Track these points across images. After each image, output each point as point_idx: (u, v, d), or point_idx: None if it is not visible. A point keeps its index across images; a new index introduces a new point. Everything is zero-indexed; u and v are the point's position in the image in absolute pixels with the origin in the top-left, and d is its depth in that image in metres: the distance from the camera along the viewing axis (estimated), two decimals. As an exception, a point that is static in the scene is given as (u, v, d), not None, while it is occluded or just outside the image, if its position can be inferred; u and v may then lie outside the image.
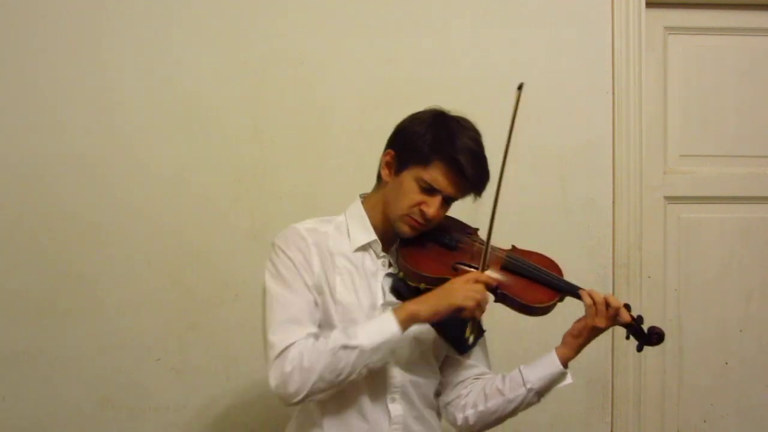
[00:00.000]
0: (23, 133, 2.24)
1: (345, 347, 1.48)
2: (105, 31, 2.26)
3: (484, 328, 1.69)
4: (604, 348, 2.40)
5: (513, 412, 1.66)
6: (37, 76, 2.25)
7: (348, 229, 1.65)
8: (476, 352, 1.72)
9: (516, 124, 1.57)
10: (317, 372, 1.48)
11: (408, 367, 1.62)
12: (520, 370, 1.65)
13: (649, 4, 2.43)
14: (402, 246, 1.64)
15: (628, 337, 1.66)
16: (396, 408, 1.60)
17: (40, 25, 2.25)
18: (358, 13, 2.34)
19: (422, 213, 1.58)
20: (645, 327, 1.64)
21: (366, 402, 1.59)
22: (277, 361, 1.50)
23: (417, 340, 1.63)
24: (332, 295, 1.59)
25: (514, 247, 1.71)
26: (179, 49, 2.28)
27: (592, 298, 1.61)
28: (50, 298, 2.24)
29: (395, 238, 1.65)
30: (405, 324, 1.51)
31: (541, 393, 1.64)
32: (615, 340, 2.39)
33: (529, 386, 1.63)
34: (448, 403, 1.72)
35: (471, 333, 1.59)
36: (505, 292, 1.60)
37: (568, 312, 1.67)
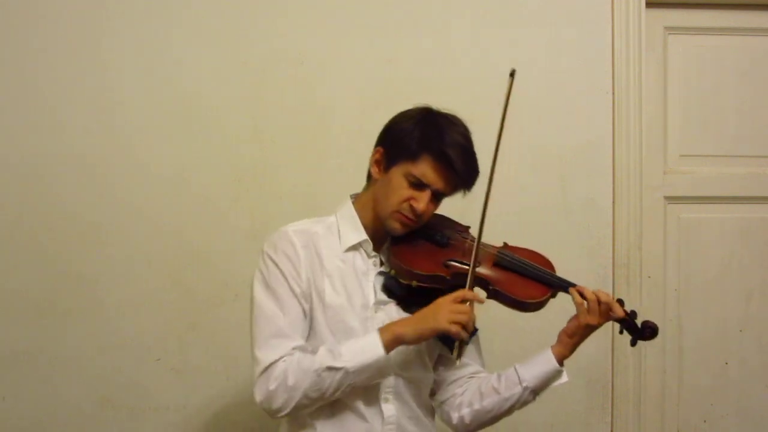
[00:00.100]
0: (23, 133, 2.24)
1: (330, 369, 1.50)
2: (105, 31, 2.26)
3: (477, 326, 1.69)
4: (604, 348, 2.40)
5: (509, 411, 1.66)
6: (37, 76, 2.25)
7: (339, 230, 1.65)
8: (470, 350, 1.71)
9: (508, 113, 1.58)
10: (301, 390, 1.50)
11: (401, 366, 1.61)
12: (515, 369, 1.65)
13: (649, 4, 2.43)
14: (393, 244, 1.64)
15: (621, 332, 1.66)
16: (389, 408, 1.60)
17: (40, 25, 2.25)
18: (358, 13, 2.34)
19: (412, 208, 1.58)
20: (639, 322, 1.64)
21: (359, 402, 1.58)
22: (262, 377, 1.52)
23: None
24: (321, 299, 1.58)
25: (505, 244, 1.72)
26: (179, 49, 2.28)
27: (583, 295, 1.61)
28: (50, 298, 2.24)
29: (386, 237, 1.65)
30: (390, 346, 1.52)
31: (536, 391, 1.64)
32: (615, 340, 2.39)
33: (524, 384, 1.63)
34: (442, 402, 1.73)
35: (457, 355, 1.59)
36: (498, 288, 1.61)
37: (567, 310, 1.66)
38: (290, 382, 1.50)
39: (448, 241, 1.65)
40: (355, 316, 1.59)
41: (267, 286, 1.58)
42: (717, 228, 2.56)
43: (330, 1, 2.33)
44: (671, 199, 2.55)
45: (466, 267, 1.58)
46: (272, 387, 1.51)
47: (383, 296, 1.62)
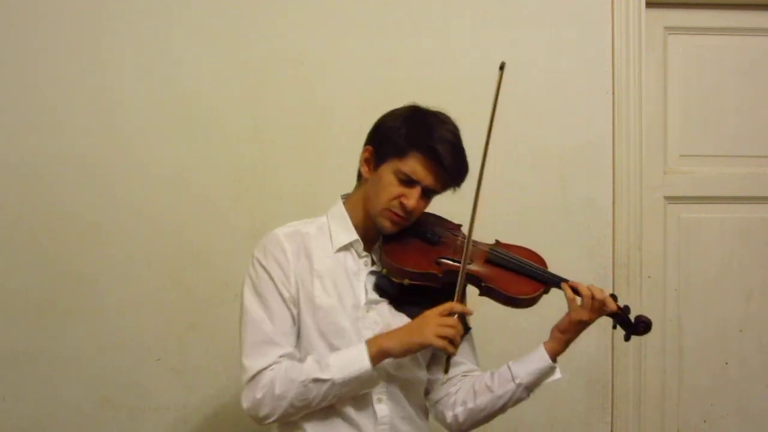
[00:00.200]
0: (23, 133, 2.24)
1: (316, 380, 1.51)
2: (105, 31, 2.26)
3: (471, 326, 1.69)
4: (604, 348, 2.40)
5: (502, 409, 1.66)
6: (37, 76, 2.25)
7: (330, 230, 1.65)
8: (464, 349, 1.70)
9: (498, 107, 1.58)
10: (288, 400, 1.51)
11: (395, 366, 1.61)
12: (508, 366, 1.65)
13: (649, 4, 2.43)
14: (384, 243, 1.64)
15: (614, 327, 1.66)
16: (382, 408, 1.59)
17: (40, 25, 2.25)
18: (358, 13, 2.34)
19: (402, 205, 1.58)
20: (632, 317, 1.64)
21: (352, 403, 1.58)
22: (250, 385, 1.53)
23: None
24: (312, 301, 1.58)
25: (497, 241, 1.72)
26: (179, 49, 2.28)
27: (577, 291, 1.60)
28: (50, 298, 2.24)
29: (377, 236, 1.65)
30: (376, 359, 1.52)
31: (530, 388, 1.64)
32: (615, 340, 2.39)
33: (518, 381, 1.62)
34: (437, 401, 1.72)
35: (445, 369, 1.60)
36: (490, 285, 1.61)
37: (565, 308, 1.66)
38: (277, 391, 1.51)
39: (439, 239, 1.65)
40: (347, 316, 1.59)
41: (256, 291, 1.59)
42: (717, 228, 2.56)
43: (330, 1, 2.33)
44: (671, 199, 2.55)
45: (458, 264, 1.58)
46: (259, 395, 1.51)
47: (375, 296, 1.62)
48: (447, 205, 1.68)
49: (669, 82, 2.55)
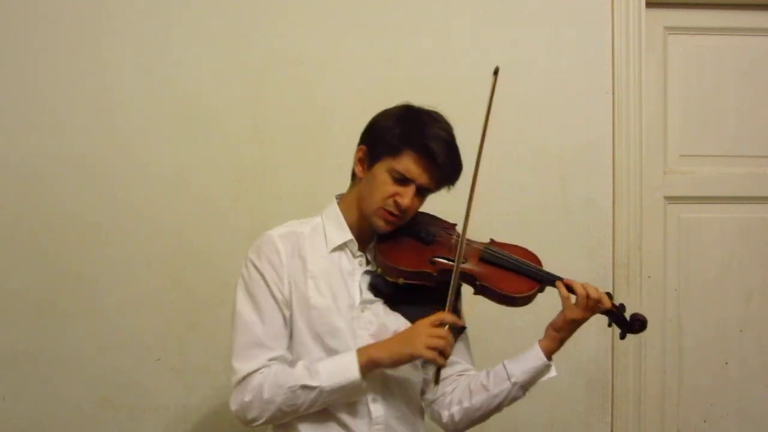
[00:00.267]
0: (23, 133, 2.24)
1: (305, 387, 1.51)
2: (105, 31, 2.26)
3: (465, 324, 1.69)
4: (604, 348, 2.40)
5: (498, 408, 1.66)
6: (37, 76, 2.25)
7: (324, 230, 1.65)
8: (459, 348, 1.70)
9: (493, 110, 1.59)
10: (276, 404, 1.51)
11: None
12: (504, 365, 1.65)
13: (649, 4, 2.43)
14: (379, 242, 1.64)
15: (610, 325, 1.66)
16: (377, 408, 1.59)
17: (40, 25, 2.25)
18: (358, 13, 2.34)
19: (396, 204, 1.57)
20: (627, 315, 1.64)
21: (346, 403, 1.57)
22: (238, 387, 1.53)
23: None
24: (306, 302, 1.58)
25: (492, 240, 1.72)
26: (179, 49, 2.28)
27: (572, 289, 1.60)
28: (50, 298, 2.24)
29: (372, 236, 1.65)
30: (365, 370, 1.52)
31: (525, 387, 1.64)
32: (615, 340, 2.38)
33: (513, 380, 1.62)
34: (432, 401, 1.72)
35: (435, 380, 1.60)
36: (485, 284, 1.61)
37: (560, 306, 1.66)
38: (265, 395, 1.51)
39: (433, 238, 1.65)
40: (341, 316, 1.58)
41: (248, 293, 1.59)
42: (717, 228, 2.56)
43: (330, 1, 2.33)
44: (671, 199, 2.55)
45: (452, 263, 1.58)
46: (247, 399, 1.52)
47: (369, 295, 1.62)
48: (441, 204, 1.68)
49: (669, 82, 2.55)
